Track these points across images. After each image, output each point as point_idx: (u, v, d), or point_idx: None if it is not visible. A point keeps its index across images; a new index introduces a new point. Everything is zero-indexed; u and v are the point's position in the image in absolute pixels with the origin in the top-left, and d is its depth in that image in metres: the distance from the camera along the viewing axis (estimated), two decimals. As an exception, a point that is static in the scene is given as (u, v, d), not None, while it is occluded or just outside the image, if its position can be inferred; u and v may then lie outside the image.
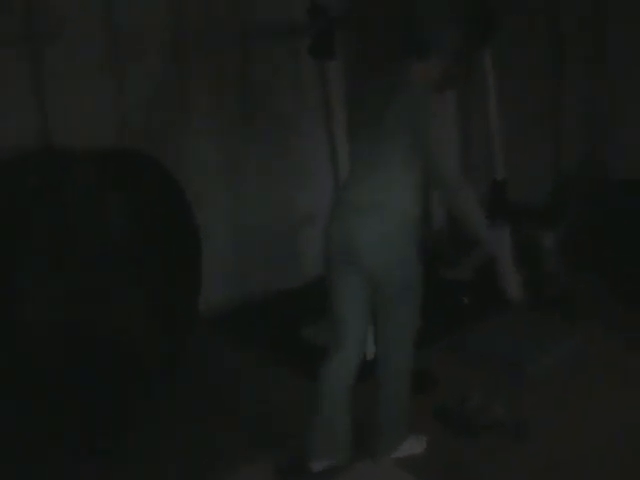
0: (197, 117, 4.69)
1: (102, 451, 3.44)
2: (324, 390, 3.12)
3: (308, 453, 3.18)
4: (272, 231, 5.15)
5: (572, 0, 5.15)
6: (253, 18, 4.76)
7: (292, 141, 5.13)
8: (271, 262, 5.16)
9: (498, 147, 4.78)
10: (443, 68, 2.94)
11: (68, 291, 3.53)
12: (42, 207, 3.53)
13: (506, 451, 3.33)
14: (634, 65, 4.92)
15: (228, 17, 4.70)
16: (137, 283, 3.81)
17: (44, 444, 3.46)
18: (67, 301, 3.52)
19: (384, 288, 2.99)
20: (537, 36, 5.26)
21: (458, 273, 4.93)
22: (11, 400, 3.59)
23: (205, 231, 4.21)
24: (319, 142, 4.63)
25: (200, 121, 4.71)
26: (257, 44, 4.81)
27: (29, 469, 3.32)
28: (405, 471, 3.24)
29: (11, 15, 3.86)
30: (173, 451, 3.48)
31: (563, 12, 5.20)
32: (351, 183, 3.08)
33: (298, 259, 5.29)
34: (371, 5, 4.67)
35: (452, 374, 3.98)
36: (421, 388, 3.60)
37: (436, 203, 5.82)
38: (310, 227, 5.14)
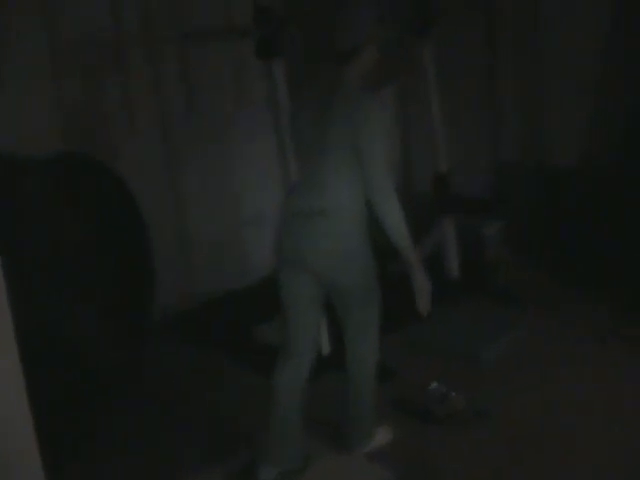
0: (138, 117, 4.66)
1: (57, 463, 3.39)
2: (277, 394, 3.12)
3: (259, 458, 3.18)
4: (217, 231, 5.14)
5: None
6: (192, 19, 4.76)
7: (235, 141, 5.13)
8: (218, 263, 5.16)
9: (440, 140, 4.86)
10: (373, 63, 2.92)
11: (18, 298, 3.47)
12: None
13: (468, 437, 3.41)
14: (568, 50, 5.03)
15: (167, 18, 4.68)
16: (90, 288, 3.78)
17: None
18: (17, 308, 3.45)
19: (339, 292, 3.02)
20: (471, 24, 5.34)
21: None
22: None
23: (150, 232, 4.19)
24: (264, 142, 4.65)
25: (141, 121, 4.68)
26: (196, 44, 4.81)
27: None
28: (372, 461, 3.30)
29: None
30: (126, 463, 3.44)
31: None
32: (297, 189, 3.10)
33: (245, 259, 5.29)
34: (313, 6, 4.68)
35: (407, 364, 4.05)
36: (379, 379, 3.64)
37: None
38: (256, 227, 5.15)
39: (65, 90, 4.30)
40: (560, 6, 4.97)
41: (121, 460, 3.46)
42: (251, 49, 3.91)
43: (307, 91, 3.09)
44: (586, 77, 4.98)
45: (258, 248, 5.13)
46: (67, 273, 3.68)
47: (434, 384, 3.68)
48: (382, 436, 3.39)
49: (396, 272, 4.88)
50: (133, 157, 4.55)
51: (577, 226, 4.92)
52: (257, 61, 3.99)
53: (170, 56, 4.77)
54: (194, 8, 4.75)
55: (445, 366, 4.02)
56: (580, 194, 4.95)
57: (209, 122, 4.96)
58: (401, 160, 6.15)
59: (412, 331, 4.39)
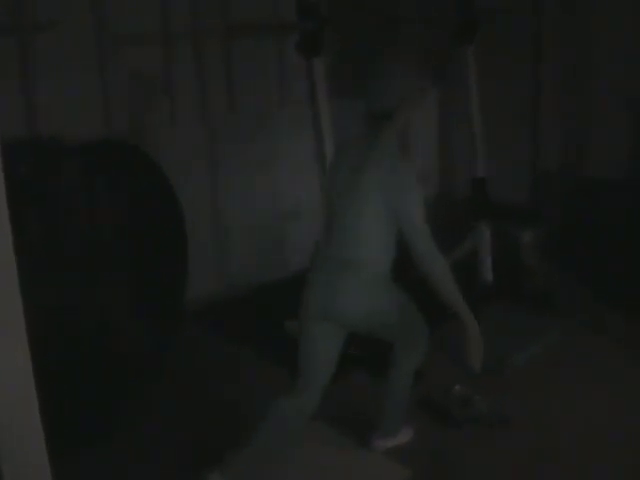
0: (180, 109, 4.73)
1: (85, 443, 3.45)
2: (274, 420, 3.01)
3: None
4: (253, 224, 5.18)
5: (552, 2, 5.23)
6: (238, 14, 4.80)
7: (275, 135, 5.16)
8: (252, 254, 5.20)
9: (479, 145, 4.86)
10: (406, 115, 2.91)
11: (53, 282, 3.53)
12: (30, 196, 3.53)
13: (488, 441, 3.42)
14: (613, 65, 5.00)
15: (213, 9, 4.74)
16: (124, 275, 3.83)
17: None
18: (52, 292, 3.52)
19: (373, 332, 3.08)
20: (517, 36, 5.32)
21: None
22: None
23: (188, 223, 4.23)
24: (302, 137, 4.68)
25: (183, 113, 4.74)
26: (241, 38, 4.86)
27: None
28: (392, 460, 3.31)
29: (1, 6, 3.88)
30: (158, 449, 3.48)
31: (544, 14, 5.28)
32: (329, 238, 3.01)
33: (280, 252, 5.33)
34: (355, 7, 4.71)
35: (434, 366, 4.03)
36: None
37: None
38: (294, 221, 5.19)
39: (110, 80, 4.37)
40: (609, 12, 4.94)
41: (138, 447, 3.49)
42: (293, 46, 3.96)
43: (347, 145, 3.09)
44: (632, 88, 4.95)
45: (294, 242, 5.16)
46: (101, 258, 3.73)
47: (457, 387, 3.67)
48: (402, 435, 3.41)
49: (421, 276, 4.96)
50: (173, 147, 4.61)
51: (613, 238, 4.88)
52: (299, 58, 4.03)
53: (214, 51, 4.82)
54: (241, 2, 4.79)
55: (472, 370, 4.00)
56: (619, 206, 4.91)
57: (250, 116, 5.00)
58: (440, 165, 6.15)
59: (442, 333, 4.38)
